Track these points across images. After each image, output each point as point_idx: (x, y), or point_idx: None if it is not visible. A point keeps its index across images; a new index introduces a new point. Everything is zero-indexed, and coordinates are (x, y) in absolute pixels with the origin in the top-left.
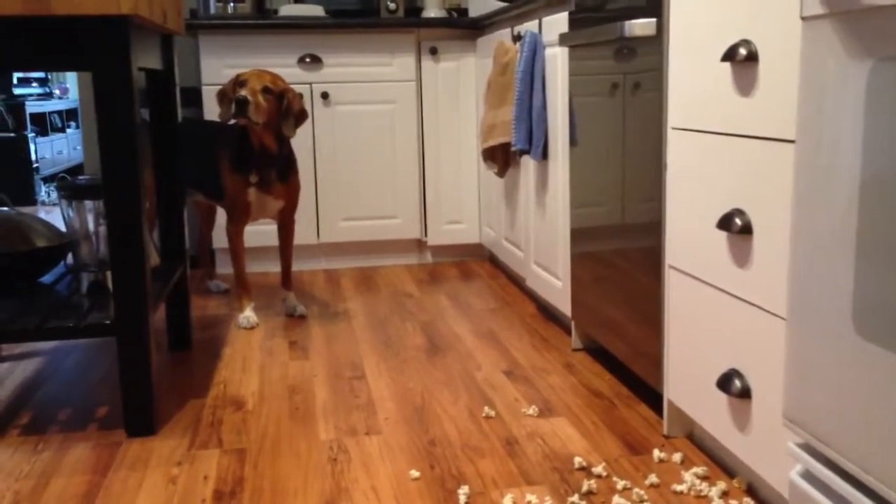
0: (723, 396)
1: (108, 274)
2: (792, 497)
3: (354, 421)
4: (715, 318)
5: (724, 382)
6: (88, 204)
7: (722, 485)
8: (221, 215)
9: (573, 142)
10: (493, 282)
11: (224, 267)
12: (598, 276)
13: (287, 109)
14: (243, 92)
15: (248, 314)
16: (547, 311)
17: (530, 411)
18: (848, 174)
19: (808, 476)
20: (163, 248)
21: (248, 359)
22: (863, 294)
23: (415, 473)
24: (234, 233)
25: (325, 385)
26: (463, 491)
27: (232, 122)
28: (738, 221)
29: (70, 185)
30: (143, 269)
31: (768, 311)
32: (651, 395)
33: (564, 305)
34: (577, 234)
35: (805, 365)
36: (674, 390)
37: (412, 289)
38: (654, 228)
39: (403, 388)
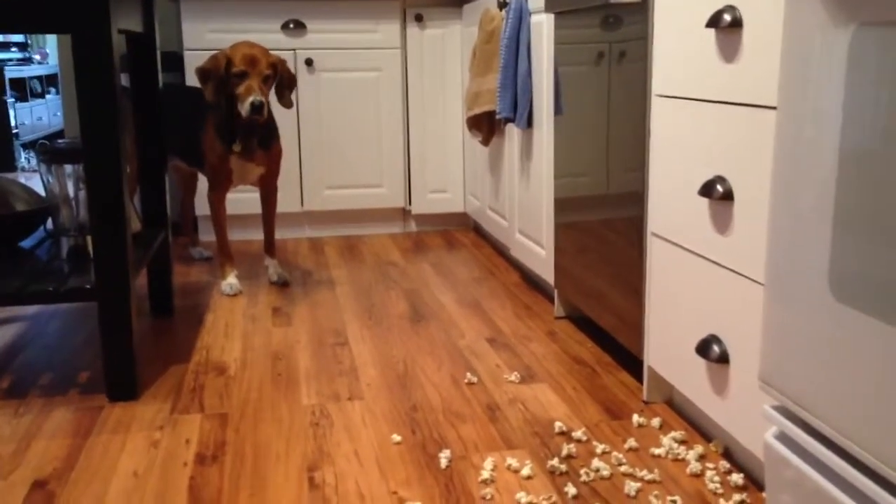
0: (701, 362)
1: (89, 239)
2: (767, 458)
3: (337, 386)
4: (695, 284)
5: (703, 348)
6: (68, 168)
7: (699, 448)
8: (203, 182)
9: (558, 110)
10: (478, 251)
11: (207, 235)
12: (581, 245)
13: (280, 83)
14: (255, 95)
15: (230, 281)
16: (531, 280)
17: (512, 378)
18: (828, 141)
19: (783, 438)
20: (144, 214)
21: (231, 325)
22: (839, 258)
23: (397, 438)
24: (216, 200)
25: (308, 351)
26: (444, 455)
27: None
28: (719, 188)
29: (49, 149)
30: (124, 233)
31: (748, 278)
32: (632, 362)
33: (548, 274)
34: (561, 204)
35: (781, 328)
36: (654, 356)
37: (396, 257)
38: (637, 198)
39: (386, 355)
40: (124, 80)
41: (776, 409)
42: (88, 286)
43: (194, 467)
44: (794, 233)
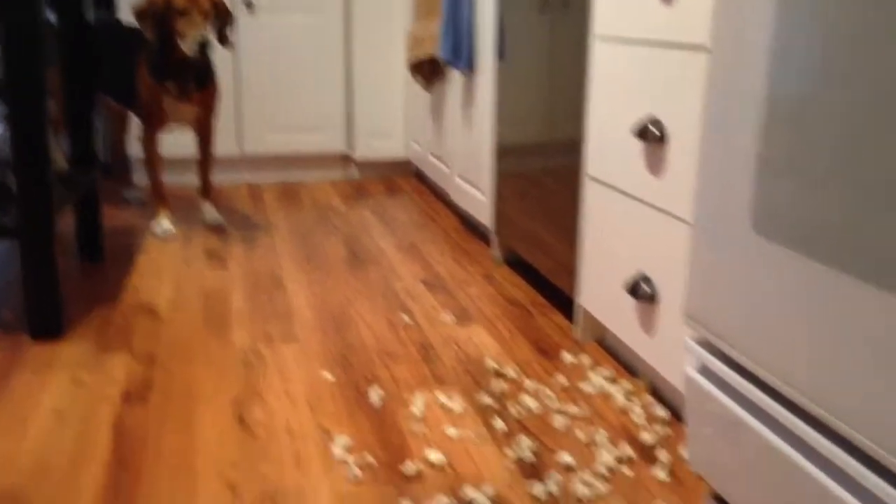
0: (631, 301)
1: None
2: (687, 390)
3: (271, 328)
4: (628, 226)
5: (633, 287)
6: None
7: (627, 385)
8: (137, 124)
9: (501, 56)
10: (419, 197)
11: (142, 178)
12: (520, 190)
13: (220, 21)
14: (200, 32)
15: (164, 223)
16: (470, 226)
17: (447, 319)
18: (757, 82)
19: (704, 371)
20: (72, 153)
21: (164, 268)
22: (763, 196)
23: (329, 377)
24: (149, 140)
25: (243, 294)
26: (376, 392)
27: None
28: (653, 130)
29: None
30: (46, 171)
31: (679, 218)
32: (566, 304)
33: (487, 219)
34: (503, 150)
35: (707, 264)
36: (586, 297)
37: (337, 203)
38: (576, 142)
39: (322, 299)
40: (51, 16)
41: (698, 342)
42: (10, 224)
43: (120, 406)
44: (721, 171)
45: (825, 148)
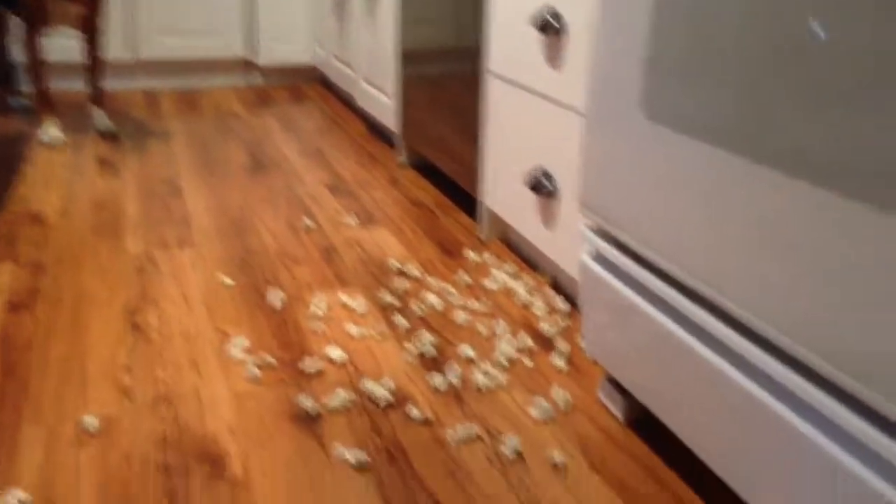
0: (532, 197)
1: None
2: (582, 277)
3: (166, 234)
4: (529, 121)
5: (534, 183)
6: None
7: (529, 280)
8: (20, 25)
9: None
10: (324, 103)
11: (28, 84)
12: (426, 93)
13: None
14: None
15: (51, 131)
16: (376, 130)
17: (351, 222)
18: None
19: (599, 257)
20: None
21: (52, 176)
22: (654, 84)
23: (228, 281)
24: (32, 42)
25: (137, 202)
26: (276, 295)
27: None
28: (552, 22)
29: None
30: None
31: (578, 112)
32: (471, 205)
33: (393, 123)
34: (407, 53)
35: (600, 152)
36: (490, 195)
37: (239, 110)
38: (477, 39)
39: (222, 204)
40: None
41: (593, 230)
42: None
43: (4, 315)
44: (613, 59)
45: (712, 47)
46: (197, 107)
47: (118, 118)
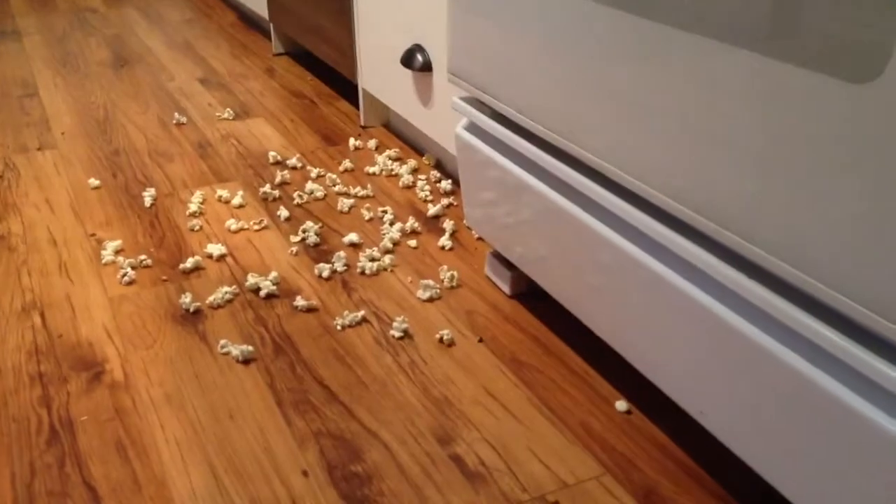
0: (408, 74)
1: None
2: (458, 150)
3: (24, 138)
4: None
5: (408, 59)
6: None
7: (412, 163)
8: None
9: None
10: None
11: None
12: None
13: None
14: None
15: None
16: (248, 20)
17: (225, 115)
18: None
19: (472, 128)
20: None
21: None
22: None
23: (95, 182)
24: None
25: None
26: (149, 193)
27: None
28: None
29: None
30: None
31: None
32: (351, 91)
33: (264, 11)
34: None
35: (464, 19)
36: (367, 79)
37: (97, 4)
38: None
39: (84, 103)
40: None
41: (465, 100)
42: None
43: None
44: None
45: None
46: (50, 2)
47: None
